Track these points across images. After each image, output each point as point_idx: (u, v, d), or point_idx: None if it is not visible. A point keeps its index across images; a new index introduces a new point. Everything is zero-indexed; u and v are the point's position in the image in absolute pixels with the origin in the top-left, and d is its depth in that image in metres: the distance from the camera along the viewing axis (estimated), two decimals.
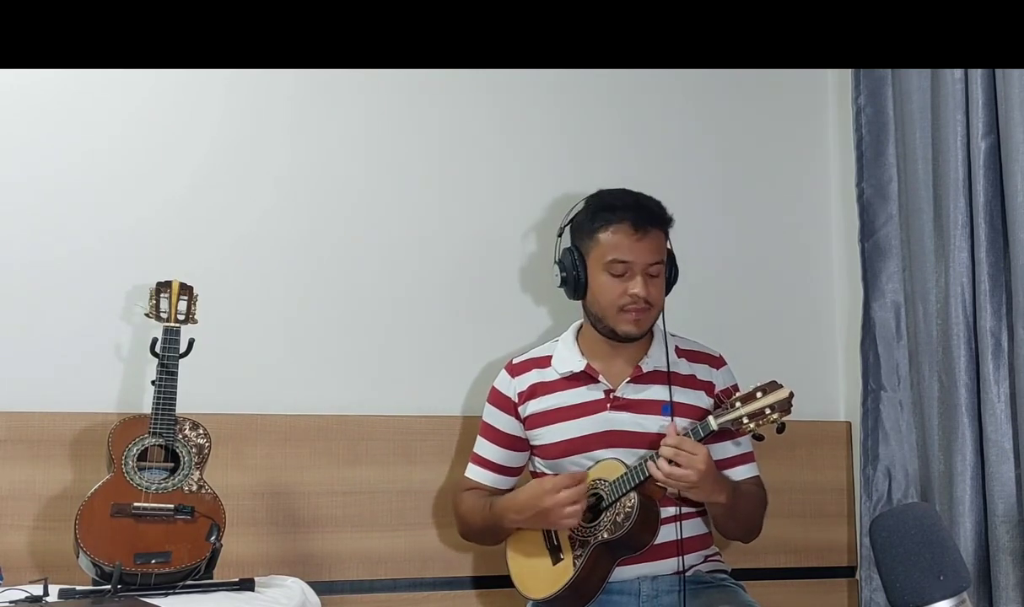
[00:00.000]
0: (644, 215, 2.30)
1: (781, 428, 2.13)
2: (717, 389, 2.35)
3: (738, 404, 2.13)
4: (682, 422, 2.24)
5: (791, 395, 2.11)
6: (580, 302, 2.38)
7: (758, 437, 2.16)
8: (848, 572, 2.97)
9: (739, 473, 2.34)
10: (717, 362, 2.42)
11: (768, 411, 2.10)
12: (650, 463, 2.15)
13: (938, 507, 2.60)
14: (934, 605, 1.39)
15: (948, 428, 2.60)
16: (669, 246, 2.37)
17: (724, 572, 2.38)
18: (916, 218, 2.74)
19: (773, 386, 2.12)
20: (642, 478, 2.16)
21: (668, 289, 2.37)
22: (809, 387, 2.53)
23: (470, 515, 2.42)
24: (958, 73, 2.57)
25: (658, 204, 2.35)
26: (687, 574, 2.27)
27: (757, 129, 3.11)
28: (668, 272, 2.36)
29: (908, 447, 2.81)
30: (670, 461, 2.12)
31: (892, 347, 2.86)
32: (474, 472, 2.45)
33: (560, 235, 2.42)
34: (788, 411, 2.11)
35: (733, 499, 2.22)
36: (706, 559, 2.35)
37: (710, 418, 2.15)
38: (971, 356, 2.55)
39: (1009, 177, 2.43)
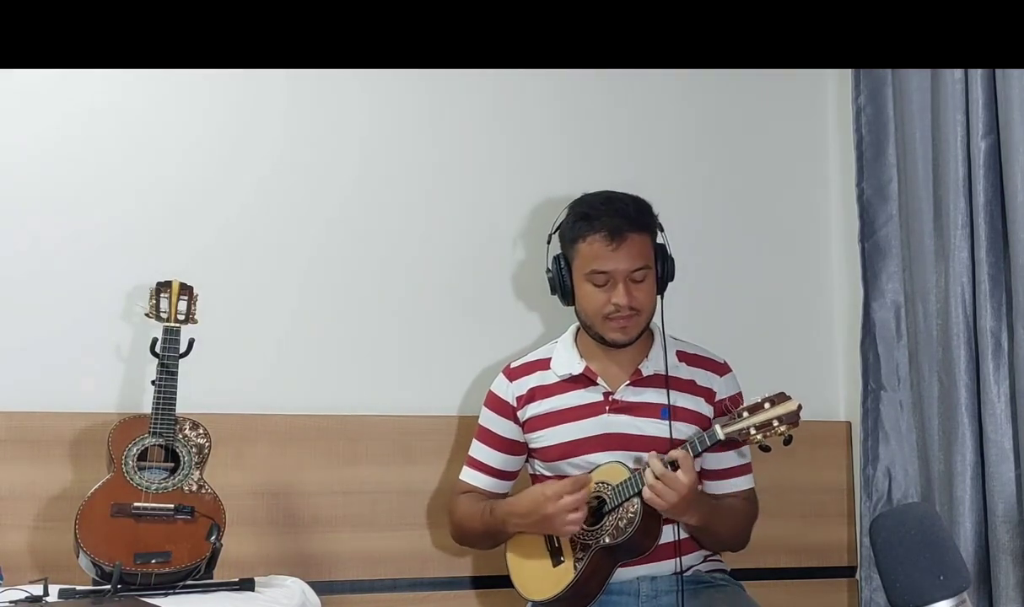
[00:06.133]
0: (620, 222, 2.23)
1: (788, 440, 2.09)
2: (718, 397, 2.33)
3: (745, 414, 2.09)
4: (688, 430, 2.23)
5: (799, 407, 2.06)
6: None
7: (764, 448, 2.11)
8: (848, 572, 2.97)
9: (736, 484, 2.33)
10: (720, 369, 2.39)
11: (776, 423, 2.06)
12: (648, 473, 2.11)
13: (938, 507, 2.60)
14: (934, 605, 1.38)
15: (948, 428, 2.60)
16: (662, 241, 2.33)
17: (724, 572, 2.38)
18: (916, 218, 2.74)
19: (781, 397, 2.08)
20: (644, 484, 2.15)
21: (663, 287, 2.33)
22: (809, 387, 2.52)
23: (468, 520, 2.40)
24: (958, 73, 2.56)
25: (639, 207, 2.29)
26: (687, 574, 2.27)
27: (757, 129, 3.11)
28: (661, 270, 2.31)
29: (908, 447, 2.81)
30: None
31: (892, 347, 2.86)
32: (470, 476, 2.44)
33: (549, 242, 2.41)
34: (796, 424, 2.06)
35: (707, 521, 2.21)
36: (706, 559, 2.35)
37: (717, 427, 2.12)
38: (971, 356, 2.54)
39: (1009, 177, 2.42)
